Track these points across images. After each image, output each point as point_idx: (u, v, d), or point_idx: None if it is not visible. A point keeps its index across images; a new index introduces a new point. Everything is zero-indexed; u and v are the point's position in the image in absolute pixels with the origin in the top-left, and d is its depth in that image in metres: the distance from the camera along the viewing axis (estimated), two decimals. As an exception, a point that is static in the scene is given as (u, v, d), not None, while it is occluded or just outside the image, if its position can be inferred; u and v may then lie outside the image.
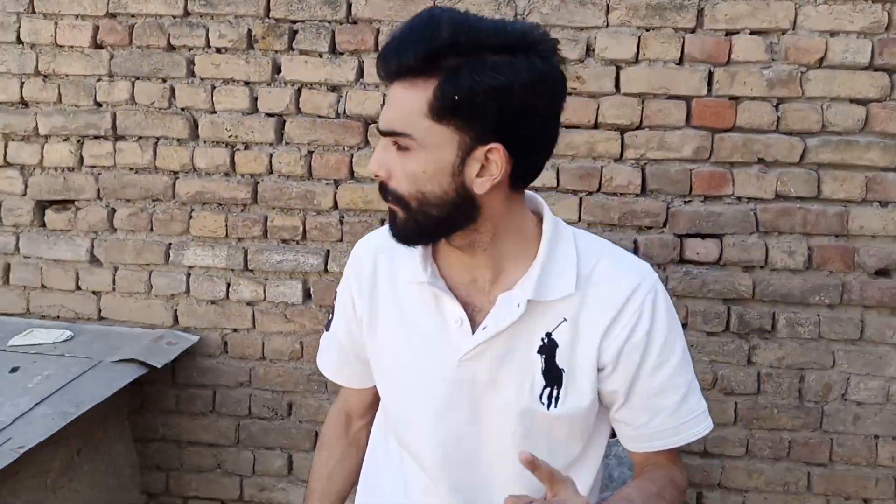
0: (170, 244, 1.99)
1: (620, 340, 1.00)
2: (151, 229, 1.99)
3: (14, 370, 1.73)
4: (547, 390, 1.01)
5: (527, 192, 1.03)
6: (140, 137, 1.98)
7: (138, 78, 1.97)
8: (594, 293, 1.00)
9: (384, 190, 0.96)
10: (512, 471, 1.01)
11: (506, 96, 0.88)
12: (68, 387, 1.67)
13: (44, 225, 2.03)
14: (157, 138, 1.97)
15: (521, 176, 0.97)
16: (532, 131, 0.93)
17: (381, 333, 1.08)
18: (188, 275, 1.99)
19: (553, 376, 1.00)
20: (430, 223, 0.95)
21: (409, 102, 0.90)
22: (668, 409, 1.02)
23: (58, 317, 2.03)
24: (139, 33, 1.96)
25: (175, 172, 1.98)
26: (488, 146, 0.91)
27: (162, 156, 1.97)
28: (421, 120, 0.89)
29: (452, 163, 0.91)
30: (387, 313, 1.07)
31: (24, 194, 2.03)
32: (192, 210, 1.97)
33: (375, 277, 1.08)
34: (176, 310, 2.00)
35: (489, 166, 0.92)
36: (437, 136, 0.90)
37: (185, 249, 1.98)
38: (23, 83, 2.01)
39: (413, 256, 1.02)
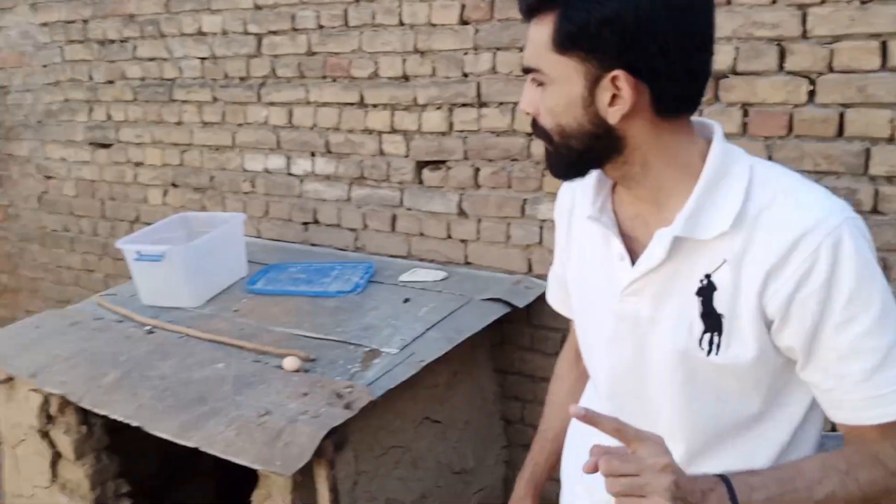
0: (525, 199, 2.20)
1: (787, 291, 0.88)
2: (510, 186, 2.22)
3: (406, 301, 2.09)
4: (706, 336, 0.94)
5: (698, 119, 0.98)
6: (500, 104, 2.20)
7: (499, 49, 2.18)
8: (761, 234, 0.90)
9: (535, 127, 0.99)
10: (675, 411, 0.99)
11: (621, 23, 0.85)
12: (449, 318, 1.98)
13: (421, 182, 2.39)
14: (515, 104, 2.17)
15: (665, 103, 0.91)
16: (658, 56, 0.87)
17: (573, 265, 1.13)
18: (541, 227, 2.19)
19: (712, 321, 0.93)
20: (573, 156, 0.96)
21: (537, 38, 0.91)
22: (856, 375, 0.87)
23: (432, 260, 2.39)
24: (499, 7, 2.16)
25: (529, 135, 2.17)
26: (612, 74, 0.88)
27: (519, 120, 2.18)
28: (548, 55, 0.90)
29: (582, 94, 0.91)
30: (576, 246, 1.12)
31: (407, 156, 2.39)
32: (545, 169, 2.16)
33: (572, 212, 1.13)
34: (530, 258, 2.22)
35: (620, 95, 0.89)
36: (564, 68, 0.90)
37: (539, 204, 2.18)
38: (404, 60, 2.35)
39: (587, 191, 1.03)
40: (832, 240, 0.87)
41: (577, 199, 1.10)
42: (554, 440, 1.30)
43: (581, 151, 0.95)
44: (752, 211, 0.91)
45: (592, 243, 1.06)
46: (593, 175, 1.03)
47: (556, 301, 1.30)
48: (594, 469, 0.81)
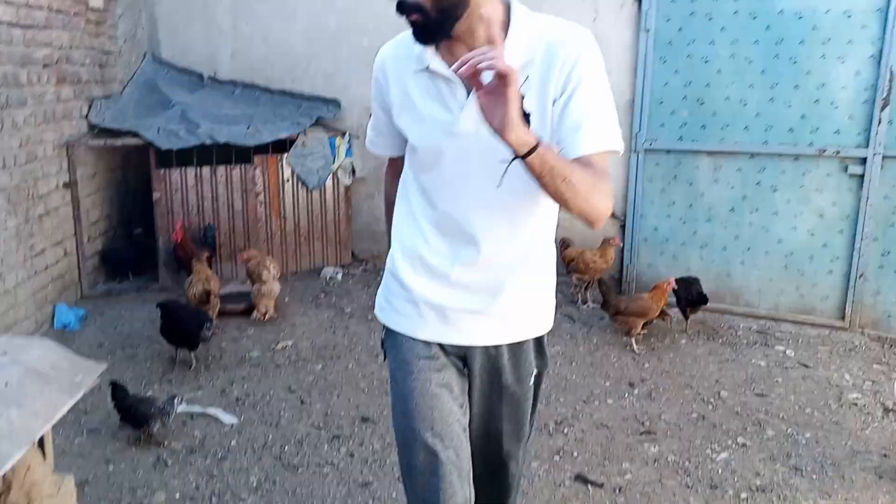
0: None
1: (565, 72, 1.39)
2: None
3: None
4: None
5: None
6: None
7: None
8: (548, 49, 1.40)
9: (403, 7, 1.36)
10: (493, 186, 1.42)
11: None
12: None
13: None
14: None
15: None
16: None
17: (406, 113, 1.51)
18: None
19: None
20: (445, 17, 1.36)
21: None
22: (593, 119, 1.40)
23: None
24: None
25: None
26: None
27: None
28: None
29: None
30: (403, 96, 1.51)
31: None
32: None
33: (387, 76, 1.53)
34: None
35: None
36: None
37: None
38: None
39: (417, 53, 1.45)
40: (589, 42, 1.43)
41: (396, 65, 1.53)
42: None
43: (449, 10, 1.37)
44: (541, 38, 1.42)
45: (424, 90, 1.48)
46: (413, 43, 1.43)
47: (376, 148, 1.70)
48: (462, 65, 1.20)
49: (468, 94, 1.41)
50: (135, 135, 4.82)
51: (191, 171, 5.03)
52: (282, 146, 5.22)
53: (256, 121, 5.16)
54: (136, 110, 5.17)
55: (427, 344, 1.59)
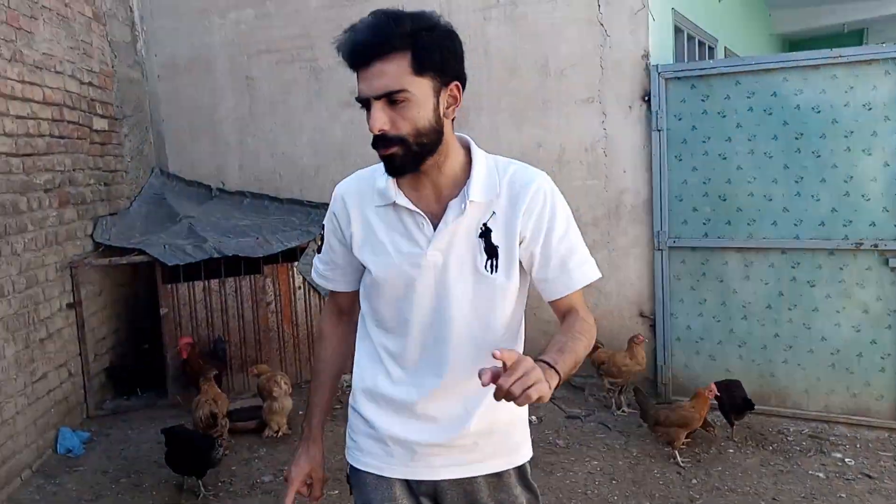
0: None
1: (532, 216, 1.44)
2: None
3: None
4: (489, 262, 1.43)
5: (457, 133, 1.46)
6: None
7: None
8: (511, 190, 1.44)
9: (384, 140, 1.34)
10: (464, 322, 1.46)
11: (457, 52, 1.37)
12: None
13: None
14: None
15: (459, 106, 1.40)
16: (465, 72, 1.40)
17: (367, 247, 1.49)
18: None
19: (491, 252, 1.43)
20: (423, 150, 1.36)
21: (393, 70, 1.30)
22: (571, 261, 1.47)
23: None
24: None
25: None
26: (452, 84, 1.37)
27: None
28: (409, 78, 1.31)
29: (433, 102, 1.35)
30: (365, 230, 1.49)
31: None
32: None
33: (347, 211, 1.51)
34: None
35: (458, 99, 1.39)
36: (421, 86, 1.32)
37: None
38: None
39: (380, 189, 1.45)
40: (551, 184, 1.48)
41: (359, 200, 1.51)
42: (330, 389, 1.70)
43: (428, 145, 1.37)
44: (503, 180, 1.45)
45: (388, 224, 1.47)
46: (377, 180, 1.46)
47: (323, 280, 1.64)
48: (491, 380, 1.16)
49: (434, 227, 1.44)
50: (141, 252, 4.71)
51: (199, 285, 4.89)
52: (292, 254, 5.10)
53: (266, 231, 5.06)
54: (143, 226, 5.09)
55: (390, 484, 1.55)
